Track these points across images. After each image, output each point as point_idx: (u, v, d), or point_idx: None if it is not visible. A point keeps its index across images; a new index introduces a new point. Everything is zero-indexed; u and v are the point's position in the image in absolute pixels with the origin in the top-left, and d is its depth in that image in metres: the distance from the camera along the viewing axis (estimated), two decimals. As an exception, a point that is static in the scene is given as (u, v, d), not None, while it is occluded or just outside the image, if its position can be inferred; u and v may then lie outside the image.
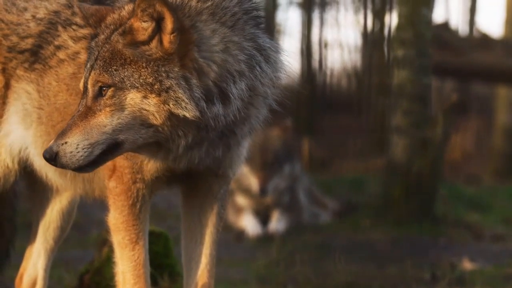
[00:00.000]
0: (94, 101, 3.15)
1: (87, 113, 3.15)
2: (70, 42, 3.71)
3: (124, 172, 3.48)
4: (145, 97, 3.09)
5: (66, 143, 3.12)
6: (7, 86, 3.82)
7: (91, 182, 3.76)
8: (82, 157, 3.12)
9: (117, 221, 3.51)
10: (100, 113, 3.13)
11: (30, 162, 3.86)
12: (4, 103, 3.83)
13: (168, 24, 3.09)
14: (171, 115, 3.09)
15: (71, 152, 3.12)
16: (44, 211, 4.22)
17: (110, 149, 3.14)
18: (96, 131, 3.12)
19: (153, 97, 3.08)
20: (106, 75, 3.12)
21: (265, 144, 8.12)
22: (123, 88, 3.10)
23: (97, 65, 3.15)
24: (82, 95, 3.20)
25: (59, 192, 4.18)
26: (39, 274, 4.24)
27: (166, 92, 3.07)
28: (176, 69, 3.09)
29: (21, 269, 4.27)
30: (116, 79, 3.11)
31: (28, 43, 3.79)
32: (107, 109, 3.12)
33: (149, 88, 3.08)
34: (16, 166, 3.89)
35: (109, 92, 3.12)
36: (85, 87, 3.19)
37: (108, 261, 4.48)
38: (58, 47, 3.73)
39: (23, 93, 3.79)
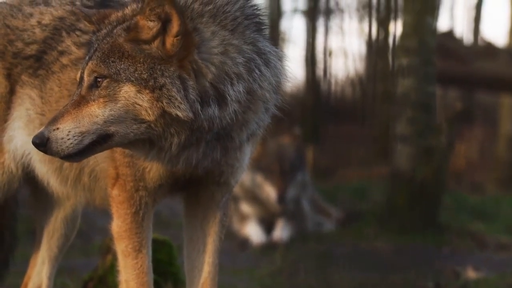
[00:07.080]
0: (89, 91, 3.14)
1: (81, 102, 3.14)
2: (73, 48, 3.72)
3: (127, 180, 3.48)
4: (139, 91, 3.08)
5: (57, 129, 3.11)
6: (11, 91, 3.81)
7: (92, 191, 3.76)
8: (72, 144, 3.10)
9: (120, 229, 3.51)
10: (93, 103, 3.11)
11: (32, 169, 3.85)
12: (8, 108, 3.82)
13: (175, 26, 3.09)
14: (164, 113, 3.08)
15: (62, 138, 3.09)
16: (48, 219, 4.21)
17: (100, 140, 3.13)
18: (88, 120, 3.11)
19: (147, 93, 3.07)
20: (102, 66, 3.12)
21: (280, 153, 8.12)
22: (118, 80, 3.10)
23: (95, 56, 3.16)
24: (78, 85, 3.20)
25: (62, 200, 4.18)
26: (44, 283, 4.22)
27: (160, 89, 3.07)
28: (172, 68, 3.09)
29: (26, 278, 4.26)
30: (112, 70, 3.11)
31: (33, 49, 3.79)
32: (101, 99, 3.10)
33: (144, 84, 3.08)
34: (19, 172, 3.87)
35: (104, 83, 3.11)
36: (81, 77, 3.19)
37: (111, 269, 4.49)
38: (62, 53, 3.73)
39: (27, 99, 3.79)
